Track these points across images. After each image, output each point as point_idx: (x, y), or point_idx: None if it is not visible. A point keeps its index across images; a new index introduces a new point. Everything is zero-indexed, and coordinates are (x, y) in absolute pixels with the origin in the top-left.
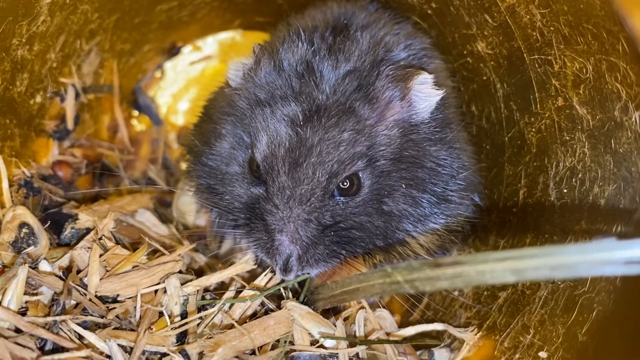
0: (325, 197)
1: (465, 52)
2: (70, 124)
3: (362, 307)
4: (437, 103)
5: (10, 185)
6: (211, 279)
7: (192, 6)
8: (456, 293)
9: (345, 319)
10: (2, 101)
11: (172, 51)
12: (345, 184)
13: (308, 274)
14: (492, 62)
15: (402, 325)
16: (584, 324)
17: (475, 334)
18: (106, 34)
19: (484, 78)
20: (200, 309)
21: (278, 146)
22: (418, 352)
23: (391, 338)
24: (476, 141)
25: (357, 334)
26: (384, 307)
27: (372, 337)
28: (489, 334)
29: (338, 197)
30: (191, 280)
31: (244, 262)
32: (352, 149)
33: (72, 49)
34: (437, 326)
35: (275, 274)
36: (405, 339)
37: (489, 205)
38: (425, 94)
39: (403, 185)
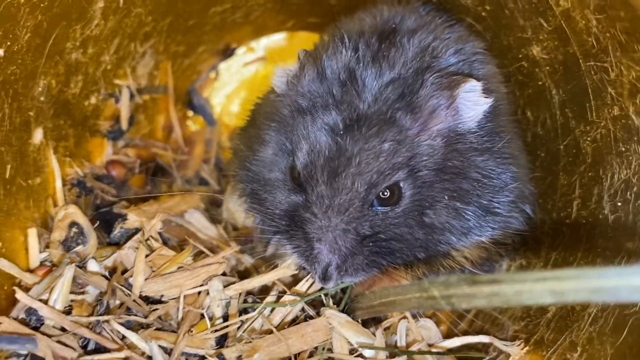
0: (364, 208)
1: (520, 56)
2: (124, 125)
3: (404, 317)
4: (486, 111)
5: (64, 185)
6: (253, 282)
7: (245, 8)
8: (504, 305)
9: (387, 329)
10: (57, 103)
11: (227, 52)
12: (385, 194)
13: (349, 282)
14: (547, 67)
15: (447, 336)
16: (633, 345)
17: (522, 349)
18: (160, 36)
19: (540, 83)
20: (242, 312)
21: (318, 155)
22: None
23: (434, 349)
24: (531, 149)
25: (398, 344)
26: (428, 317)
27: (414, 348)
28: (536, 349)
29: (377, 207)
30: (234, 283)
31: (286, 267)
32: (392, 160)
33: (126, 52)
34: (483, 338)
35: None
36: (449, 351)
37: (542, 215)
38: (473, 102)
39: (446, 197)
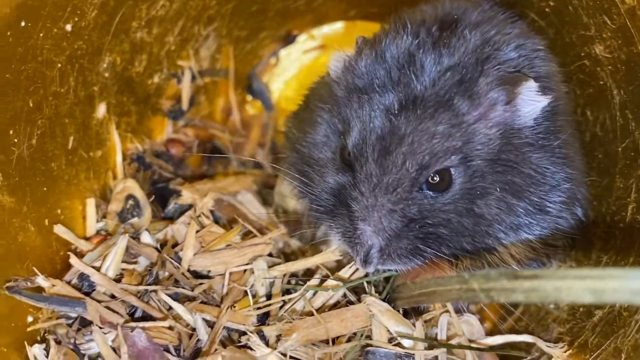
0: (413, 189)
1: (582, 54)
2: (185, 105)
3: (446, 311)
4: (543, 109)
5: (124, 159)
6: (296, 265)
7: None
8: (552, 306)
9: (427, 321)
10: (121, 80)
11: (288, 39)
12: (435, 178)
13: (391, 270)
14: (609, 67)
15: (491, 333)
16: None
17: (565, 351)
18: (224, 20)
19: (601, 83)
20: (285, 293)
21: (370, 133)
22: None
23: (474, 345)
24: (589, 149)
25: (439, 337)
26: (473, 314)
27: (453, 342)
28: (579, 353)
29: (427, 191)
30: (278, 264)
31: (330, 252)
32: (446, 143)
33: (190, 34)
34: (526, 338)
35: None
36: (491, 348)
37: (596, 218)
38: (531, 99)
39: (497, 189)
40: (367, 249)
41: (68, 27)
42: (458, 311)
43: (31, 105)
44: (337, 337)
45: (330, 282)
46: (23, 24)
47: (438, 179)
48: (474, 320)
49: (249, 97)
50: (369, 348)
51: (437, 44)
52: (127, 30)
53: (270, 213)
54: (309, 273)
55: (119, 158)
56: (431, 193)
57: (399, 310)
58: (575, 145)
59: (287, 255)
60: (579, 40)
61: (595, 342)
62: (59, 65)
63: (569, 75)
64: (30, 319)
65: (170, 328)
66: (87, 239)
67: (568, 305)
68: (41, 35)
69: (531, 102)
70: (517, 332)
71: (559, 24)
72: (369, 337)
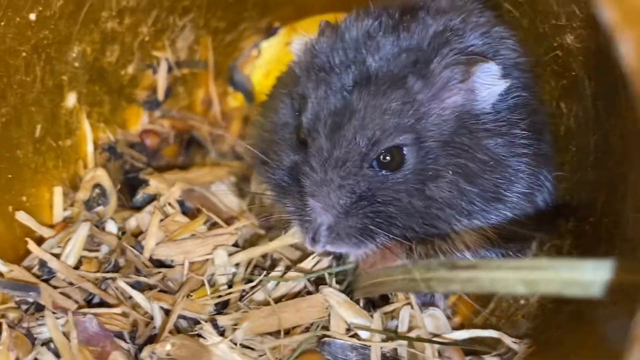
0: (363, 165)
1: (555, 45)
2: (160, 96)
3: (408, 303)
4: (502, 94)
5: (95, 149)
6: (256, 252)
7: None
8: (522, 302)
9: (387, 313)
10: (92, 70)
11: (269, 31)
12: (386, 157)
13: (351, 262)
14: (580, 57)
15: (462, 328)
16: None
17: (529, 347)
18: (200, 11)
19: (573, 74)
20: (247, 283)
21: (324, 110)
22: (468, 358)
23: (439, 339)
24: (563, 143)
25: (399, 330)
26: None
27: (412, 334)
28: (544, 349)
29: (378, 169)
30: (235, 253)
31: (289, 236)
32: (398, 119)
33: (165, 24)
34: (492, 333)
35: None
36: (456, 343)
37: (567, 212)
38: (489, 83)
39: (450, 172)
40: (315, 227)
41: (32, 17)
42: (426, 304)
43: None
44: (293, 328)
45: (292, 274)
46: None
47: (390, 157)
48: (439, 313)
49: (231, 89)
50: (325, 339)
51: (397, 27)
52: (97, 20)
53: (244, 204)
54: (274, 264)
55: (89, 147)
56: (383, 171)
57: (359, 302)
58: (543, 136)
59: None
60: (551, 30)
61: (560, 337)
62: (24, 54)
63: (544, 67)
64: None
65: (124, 315)
66: (52, 226)
67: (538, 302)
68: (2, 24)
69: (488, 86)
70: (487, 327)
71: (532, 13)
72: (326, 328)
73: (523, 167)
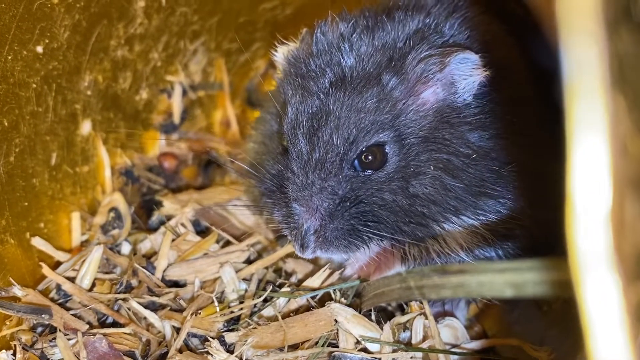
0: (343, 166)
1: None
2: (176, 119)
3: (422, 313)
4: (482, 84)
5: (112, 174)
6: (257, 265)
7: (295, 3)
8: (545, 308)
9: (399, 324)
10: (106, 97)
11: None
12: (368, 157)
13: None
14: None
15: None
16: None
17: (549, 355)
18: (210, 34)
19: None
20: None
21: (301, 114)
22: None
23: (457, 350)
24: None
25: (413, 341)
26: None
27: (425, 345)
28: (567, 356)
29: (359, 170)
30: (242, 269)
31: (287, 248)
32: (374, 117)
33: (176, 49)
34: (511, 341)
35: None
36: (476, 352)
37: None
38: (467, 73)
39: (432, 168)
40: (302, 233)
41: (39, 49)
42: (444, 314)
43: (6, 124)
44: (303, 342)
45: (300, 291)
46: None
47: (372, 157)
48: (457, 323)
49: (249, 109)
50: (335, 353)
51: (371, 27)
52: (106, 49)
53: (260, 221)
54: (287, 279)
55: (107, 173)
56: (365, 172)
57: (370, 314)
58: (536, 127)
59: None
60: None
61: (584, 343)
62: (34, 85)
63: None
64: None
65: (134, 334)
66: (71, 250)
67: (561, 307)
68: (9, 57)
69: (466, 76)
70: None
71: None
72: (334, 342)
73: (512, 159)
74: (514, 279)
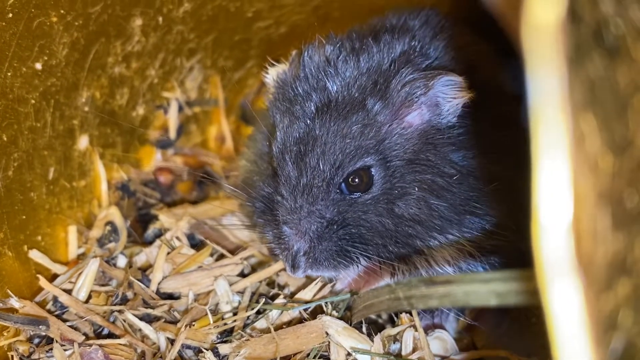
0: (330, 190)
1: None
2: (172, 135)
3: (412, 326)
4: (465, 105)
5: (109, 188)
6: (251, 279)
7: (289, 23)
8: (533, 320)
9: (390, 336)
10: (103, 113)
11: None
12: (355, 180)
13: (346, 294)
14: None
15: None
16: None
17: None
18: (206, 51)
19: None
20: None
21: (289, 138)
22: None
23: None
24: None
25: (403, 353)
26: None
27: (414, 356)
28: None
29: (347, 193)
30: (236, 282)
31: (280, 263)
32: (359, 142)
33: (172, 66)
34: (500, 352)
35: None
36: None
37: None
38: (451, 95)
39: (416, 189)
40: (293, 254)
41: (38, 66)
42: (434, 326)
43: (5, 139)
44: (295, 354)
45: (292, 303)
46: None
47: (358, 180)
48: (446, 336)
49: (243, 125)
50: None
51: (357, 50)
52: (104, 66)
53: (254, 235)
54: (280, 292)
55: (104, 187)
56: (351, 195)
57: (361, 326)
58: (515, 139)
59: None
60: None
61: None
62: (33, 101)
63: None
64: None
65: (129, 345)
66: (67, 263)
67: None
68: (9, 74)
69: (450, 99)
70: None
71: None
72: (326, 354)
73: (495, 177)
74: (499, 288)
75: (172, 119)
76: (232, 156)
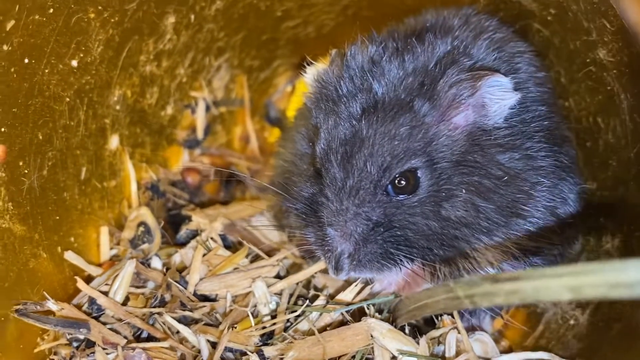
0: (377, 192)
1: (588, 61)
2: (200, 135)
3: (454, 328)
4: (513, 107)
5: (138, 188)
6: (290, 280)
7: (317, 22)
8: (572, 322)
9: (433, 339)
10: (133, 112)
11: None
12: (401, 182)
13: (388, 296)
14: (614, 71)
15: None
16: None
17: None
18: (234, 51)
19: (608, 88)
20: (291, 313)
21: (335, 139)
22: None
23: None
24: (603, 158)
25: (447, 355)
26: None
27: (460, 359)
28: None
29: (393, 195)
30: (274, 284)
31: (319, 264)
32: (407, 144)
33: (201, 65)
34: (542, 355)
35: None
36: None
37: (614, 227)
38: (498, 96)
39: (463, 191)
40: (337, 255)
41: (74, 63)
42: (473, 329)
43: (40, 138)
44: (340, 357)
45: (333, 305)
46: (27, 61)
47: (405, 182)
48: (487, 338)
49: (267, 125)
50: None
51: (401, 50)
52: (136, 64)
53: (284, 236)
54: (317, 294)
55: (133, 187)
56: (397, 197)
57: (404, 328)
58: (563, 149)
59: None
60: (582, 46)
61: (613, 356)
62: (67, 99)
63: (578, 83)
64: (40, 341)
65: (172, 348)
66: (100, 265)
67: (588, 321)
68: (46, 71)
69: (498, 100)
70: (537, 349)
71: (562, 31)
72: (370, 357)
73: (541, 180)
74: (572, 282)
75: (200, 118)
76: (256, 156)
